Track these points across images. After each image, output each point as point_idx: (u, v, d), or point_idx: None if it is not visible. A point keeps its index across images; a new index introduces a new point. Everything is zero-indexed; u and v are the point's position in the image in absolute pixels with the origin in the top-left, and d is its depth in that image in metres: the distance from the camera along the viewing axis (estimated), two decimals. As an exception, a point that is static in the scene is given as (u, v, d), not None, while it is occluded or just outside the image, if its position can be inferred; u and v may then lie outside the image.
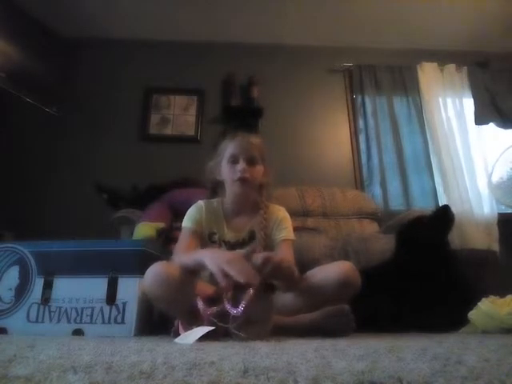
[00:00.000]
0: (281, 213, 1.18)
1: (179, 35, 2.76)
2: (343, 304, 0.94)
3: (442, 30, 2.71)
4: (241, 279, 0.74)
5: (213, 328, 0.75)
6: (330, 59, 2.82)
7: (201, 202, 1.17)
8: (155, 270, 0.92)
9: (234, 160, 1.12)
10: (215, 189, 1.21)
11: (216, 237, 1.12)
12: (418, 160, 2.57)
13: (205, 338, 0.72)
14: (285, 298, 0.97)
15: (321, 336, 0.87)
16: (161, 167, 2.38)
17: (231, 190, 1.14)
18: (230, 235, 1.12)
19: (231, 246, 1.11)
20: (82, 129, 2.58)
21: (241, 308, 0.76)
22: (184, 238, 1.10)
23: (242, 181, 1.09)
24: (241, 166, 1.10)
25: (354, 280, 0.94)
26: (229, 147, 1.14)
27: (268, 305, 0.82)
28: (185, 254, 1.02)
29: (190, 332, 0.76)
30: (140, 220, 1.64)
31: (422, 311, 1.23)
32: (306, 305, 0.95)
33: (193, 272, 0.90)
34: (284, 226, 1.15)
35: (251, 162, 1.12)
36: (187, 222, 1.13)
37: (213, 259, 0.82)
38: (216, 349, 0.56)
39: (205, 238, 1.12)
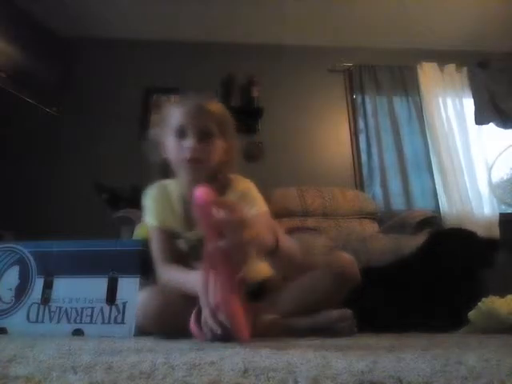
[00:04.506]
0: (241, 184, 0.92)
1: (179, 35, 2.76)
2: (343, 307, 0.91)
3: (442, 29, 2.72)
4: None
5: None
6: (329, 59, 2.82)
7: (154, 189, 0.96)
8: (149, 305, 0.82)
9: (180, 133, 0.85)
10: (165, 170, 0.94)
11: (178, 234, 0.93)
12: (418, 160, 2.58)
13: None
14: (282, 297, 0.91)
15: (321, 336, 0.86)
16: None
17: (180, 173, 0.91)
18: (189, 234, 0.91)
19: (192, 246, 0.90)
20: (82, 129, 2.58)
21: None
22: (157, 241, 0.92)
23: (192, 162, 0.84)
24: (189, 142, 0.83)
25: (352, 272, 0.90)
26: (174, 114, 0.87)
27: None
28: (173, 271, 0.87)
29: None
30: (140, 220, 1.64)
31: (423, 311, 1.23)
32: (300, 301, 0.87)
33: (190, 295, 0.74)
34: (249, 199, 0.89)
35: (204, 136, 0.85)
36: (151, 218, 0.93)
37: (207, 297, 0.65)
38: (216, 349, 0.56)
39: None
